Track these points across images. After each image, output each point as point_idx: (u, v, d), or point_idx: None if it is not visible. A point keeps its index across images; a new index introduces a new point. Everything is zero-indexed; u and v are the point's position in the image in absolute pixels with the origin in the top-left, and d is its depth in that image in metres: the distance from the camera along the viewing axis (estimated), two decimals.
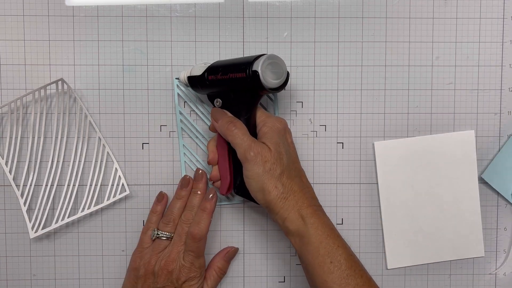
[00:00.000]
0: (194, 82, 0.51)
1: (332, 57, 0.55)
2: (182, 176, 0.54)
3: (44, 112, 0.54)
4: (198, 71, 0.51)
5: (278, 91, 0.48)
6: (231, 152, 0.51)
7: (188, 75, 0.52)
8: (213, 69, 0.50)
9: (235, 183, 0.51)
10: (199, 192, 0.53)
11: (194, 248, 0.50)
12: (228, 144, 0.49)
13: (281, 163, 0.47)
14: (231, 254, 0.55)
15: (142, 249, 0.52)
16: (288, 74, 0.49)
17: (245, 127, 0.48)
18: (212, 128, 0.52)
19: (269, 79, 0.47)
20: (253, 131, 0.49)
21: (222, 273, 0.54)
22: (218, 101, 0.51)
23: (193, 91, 0.54)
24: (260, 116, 0.50)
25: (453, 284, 0.57)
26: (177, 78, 0.55)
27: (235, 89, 0.49)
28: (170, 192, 0.55)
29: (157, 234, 0.52)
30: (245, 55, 0.54)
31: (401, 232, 0.56)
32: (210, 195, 0.52)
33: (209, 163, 0.52)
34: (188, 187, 0.53)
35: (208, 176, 0.54)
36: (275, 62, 0.47)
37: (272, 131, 0.48)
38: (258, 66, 0.46)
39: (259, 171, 0.46)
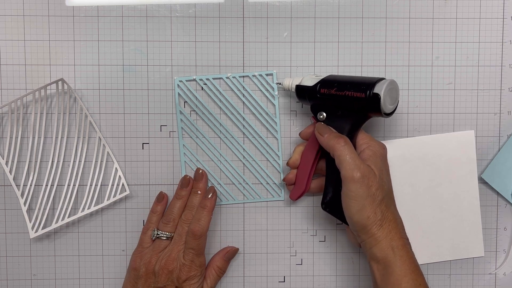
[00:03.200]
0: (302, 92, 0.51)
1: (332, 57, 0.55)
2: (182, 176, 0.54)
3: (44, 112, 0.54)
4: (310, 82, 0.50)
5: (389, 116, 0.48)
6: (316, 164, 0.51)
7: (298, 83, 0.51)
8: (327, 83, 0.49)
9: (325, 199, 0.50)
10: (199, 192, 0.53)
11: (195, 245, 0.50)
12: (316, 155, 0.50)
13: (383, 189, 0.46)
14: (230, 253, 0.55)
15: (142, 249, 0.53)
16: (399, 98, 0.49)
17: (352, 145, 0.47)
18: (304, 135, 0.52)
19: (387, 103, 0.47)
20: None
21: (222, 272, 0.54)
22: (322, 115, 0.50)
23: (296, 98, 0.53)
24: (363, 137, 0.49)
25: (453, 284, 0.57)
26: (279, 82, 0.54)
27: (346, 107, 0.48)
28: (170, 192, 0.56)
29: (157, 234, 0.52)
30: (338, 73, 0.53)
31: None
32: (210, 194, 0.52)
33: (288, 164, 0.52)
34: (188, 187, 0.53)
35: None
36: (394, 88, 0.48)
37: (376, 155, 0.48)
38: (380, 90, 0.46)
39: (363, 194, 0.45)
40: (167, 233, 0.52)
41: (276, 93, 0.55)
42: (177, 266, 0.50)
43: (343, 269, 0.57)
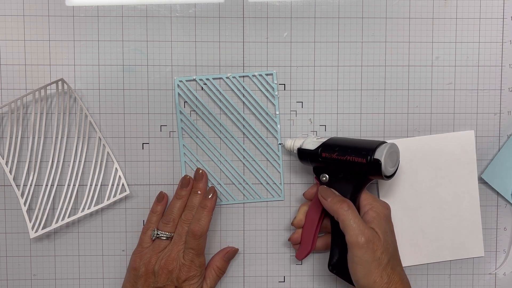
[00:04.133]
0: (305, 155, 0.51)
1: (332, 57, 0.55)
2: (182, 176, 0.54)
3: (44, 112, 0.54)
4: (311, 145, 0.51)
5: (390, 178, 0.49)
6: (320, 224, 0.51)
7: (299, 146, 0.52)
8: (328, 147, 0.50)
9: (331, 260, 0.51)
10: (199, 192, 0.53)
11: (195, 245, 0.50)
12: (321, 215, 0.50)
13: (388, 252, 0.47)
14: (230, 254, 0.55)
15: (142, 249, 0.53)
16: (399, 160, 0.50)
17: (356, 210, 0.47)
18: (308, 195, 0.53)
19: (388, 167, 0.47)
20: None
21: (221, 272, 0.54)
22: (325, 177, 0.51)
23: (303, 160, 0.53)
24: (366, 198, 0.49)
25: (453, 284, 0.57)
26: (281, 143, 0.55)
27: (347, 171, 0.49)
28: (170, 192, 0.56)
29: (157, 234, 0.52)
30: (356, 139, 0.52)
31: (401, 232, 0.56)
32: (210, 194, 0.52)
33: (293, 224, 0.53)
34: (188, 187, 0.53)
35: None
36: (394, 151, 0.48)
37: (380, 217, 0.48)
38: (381, 155, 0.47)
39: (368, 259, 0.45)
40: (167, 233, 0.52)
41: (276, 93, 0.55)
42: (177, 266, 0.50)
43: None
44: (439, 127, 0.56)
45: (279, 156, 0.56)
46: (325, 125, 0.56)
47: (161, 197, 0.54)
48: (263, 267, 0.57)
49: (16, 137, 0.54)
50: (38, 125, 0.54)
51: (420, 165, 0.55)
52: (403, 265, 0.56)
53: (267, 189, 0.56)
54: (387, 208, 0.49)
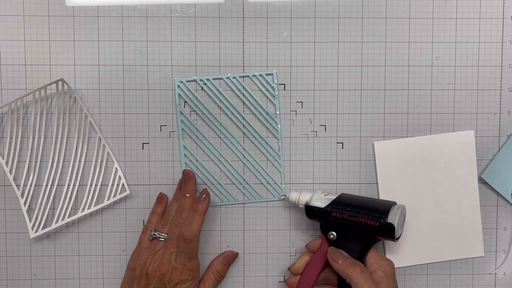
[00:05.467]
0: (313, 213, 0.51)
1: (332, 57, 0.55)
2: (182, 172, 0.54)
3: (44, 112, 0.54)
4: (320, 203, 0.51)
5: (398, 240, 0.49)
6: (319, 276, 0.51)
7: (306, 202, 0.52)
8: (339, 206, 0.50)
9: None
10: (187, 195, 0.52)
11: (186, 249, 0.50)
12: (322, 269, 0.50)
13: None
14: (230, 258, 0.55)
15: (141, 248, 0.53)
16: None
17: (367, 272, 0.47)
18: (310, 248, 0.53)
19: (399, 230, 0.48)
20: None
21: (220, 276, 0.54)
22: (332, 234, 0.50)
23: None
24: (373, 256, 0.49)
25: (453, 284, 0.57)
26: (285, 195, 0.55)
27: (358, 231, 0.49)
28: (170, 192, 0.56)
29: (154, 234, 0.52)
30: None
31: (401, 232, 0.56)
32: (203, 196, 0.51)
33: (289, 269, 0.53)
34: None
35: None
36: (403, 213, 0.49)
37: (388, 276, 0.48)
38: (394, 220, 0.47)
39: None
40: (164, 234, 0.52)
41: (276, 93, 0.55)
42: (169, 269, 0.50)
43: None
44: (439, 127, 0.56)
45: (279, 156, 0.56)
46: (325, 125, 0.56)
47: (161, 198, 0.54)
48: (263, 267, 0.57)
49: (16, 137, 0.54)
50: (38, 125, 0.54)
51: (420, 165, 0.55)
52: (403, 265, 0.56)
53: (267, 189, 0.56)
54: (392, 266, 0.49)
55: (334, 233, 0.50)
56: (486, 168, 0.56)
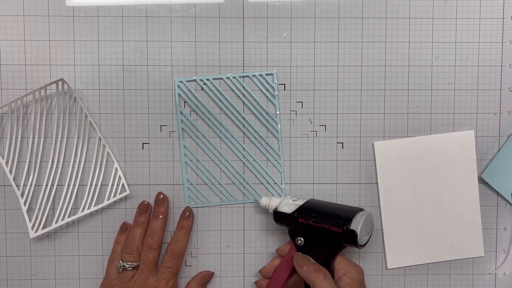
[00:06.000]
0: (280, 218, 0.51)
1: (332, 57, 0.55)
2: (140, 202, 0.54)
3: (44, 112, 0.54)
4: (288, 209, 0.51)
5: (363, 247, 0.49)
6: (287, 281, 0.51)
7: (275, 207, 0.52)
8: (305, 212, 0.50)
9: None
10: (160, 217, 0.53)
11: (172, 264, 0.51)
12: (290, 274, 0.50)
13: None
14: (206, 278, 0.55)
15: (110, 280, 0.52)
16: (373, 227, 0.51)
17: (331, 278, 0.47)
18: (280, 252, 0.53)
19: (362, 237, 0.48)
20: (331, 275, 0.49)
21: None
22: (300, 240, 0.50)
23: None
24: (340, 262, 0.49)
25: (453, 284, 0.57)
26: (256, 200, 0.55)
27: (323, 237, 0.49)
28: (170, 192, 0.56)
29: (123, 266, 0.52)
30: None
31: (401, 232, 0.56)
32: (187, 213, 0.53)
33: (260, 272, 0.53)
34: (147, 212, 0.53)
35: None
36: (369, 220, 0.49)
37: (354, 283, 0.48)
38: (357, 227, 0.47)
39: None
40: (132, 263, 0.51)
41: (277, 93, 0.55)
42: None
43: None
44: (439, 127, 0.56)
45: (279, 156, 0.56)
46: (325, 125, 0.56)
47: (125, 227, 0.54)
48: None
49: (16, 137, 0.54)
50: (38, 125, 0.54)
51: (420, 165, 0.55)
52: (403, 265, 0.56)
53: (267, 189, 0.56)
54: (361, 272, 0.49)
55: (302, 238, 0.50)
56: (486, 168, 0.56)
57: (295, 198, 0.53)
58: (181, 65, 0.55)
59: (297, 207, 0.51)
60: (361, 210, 0.49)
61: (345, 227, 0.47)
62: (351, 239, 0.47)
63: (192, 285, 0.54)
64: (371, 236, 0.51)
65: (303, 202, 0.51)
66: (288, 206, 0.51)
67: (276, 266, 0.52)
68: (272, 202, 0.53)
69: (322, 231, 0.49)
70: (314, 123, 0.56)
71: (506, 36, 0.56)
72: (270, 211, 0.53)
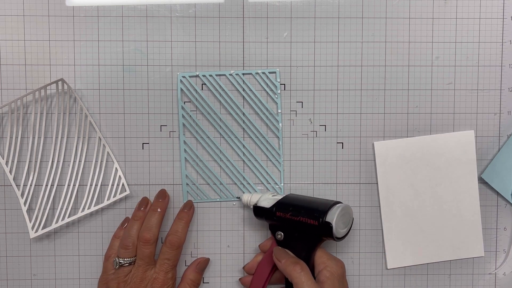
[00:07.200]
0: (260, 212, 0.52)
1: (332, 57, 0.55)
2: (142, 198, 0.54)
3: (44, 112, 0.54)
4: (266, 203, 0.51)
5: (341, 240, 0.49)
6: (270, 276, 0.51)
7: (255, 203, 0.52)
8: (283, 206, 0.50)
9: None
10: (159, 210, 0.52)
11: (171, 256, 0.51)
12: (272, 269, 0.51)
13: None
14: (202, 264, 0.55)
15: (107, 275, 0.52)
16: (353, 220, 0.51)
17: (309, 271, 0.47)
18: (262, 248, 0.53)
19: (339, 229, 0.48)
20: (311, 269, 0.49)
21: (195, 285, 0.54)
22: (280, 234, 0.51)
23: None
24: (321, 256, 0.49)
25: (453, 284, 0.57)
26: (238, 198, 0.55)
27: (301, 231, 0.49)
28: (170, 192, 0.56)
29: (120, 262, 0.51)
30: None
31: (401, 232, 0.56)
32: (188, 207, 0.53)
33: (244, 269, 0.54)
34: (147, 208, 0.53)
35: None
36: (347, 212, 0.49)
37: (333, 277, 0.48)
38: (332, 219, 0.47)
39: None
40: (128, 259, 0.51)
41: (279, 91, 0.55)
42: (148, 283, 0.50)
43: None
44: (439, 127, 0.56)
45: (280, 155, 0.56)
46: (325, 125, 0.56)
47: (126, 222, 0.54)
48: None
49: (16, 137, 0.54)
50: (38, 125, 0.54)
51: (420, 165, 0.55)
52: (403, 265, 0.56)
53: (267, 189, 0.56)
54: (341, 266, 0.49)
55: (282, 233, 0.51)
56: (486, 168, 0.56)
57: (275, 193, 0.53)
58: (181, 65, 0.55)
59: (275, 201, 0.51)
60: (338, 203, 0.50)
61: (321, 219, 0.48)
62: (327, 231, 0.47)
63: (188, 273, 0.54)
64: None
65: (282, 197, 0.52)
66: (267, 201, 0.52)
67: (259, 262, 0.52)
68: (253, 198, 0.53)
69: (300, 224, 0.49)
70: (314, 123, 0.56)
71: (506, 36, 0.56)
72: (250, 206, 0.53)
